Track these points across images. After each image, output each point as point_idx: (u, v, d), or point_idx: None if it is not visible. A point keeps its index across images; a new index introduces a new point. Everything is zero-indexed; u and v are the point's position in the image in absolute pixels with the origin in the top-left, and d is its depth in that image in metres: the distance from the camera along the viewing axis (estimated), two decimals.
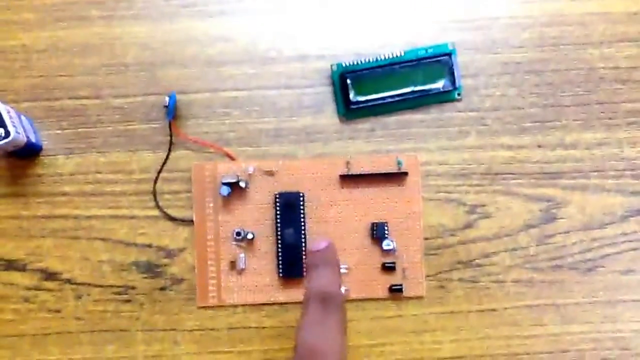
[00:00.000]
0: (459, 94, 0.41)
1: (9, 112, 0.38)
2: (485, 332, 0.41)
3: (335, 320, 0.30)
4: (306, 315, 0.30)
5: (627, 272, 0.41)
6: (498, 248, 0.41)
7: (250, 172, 0.40)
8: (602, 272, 0.41)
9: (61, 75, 0.41)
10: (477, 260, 0.41)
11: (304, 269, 0.40)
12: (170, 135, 0.41)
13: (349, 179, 0.40)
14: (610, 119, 0.42)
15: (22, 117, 0.40)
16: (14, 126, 0.37)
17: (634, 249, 0.41)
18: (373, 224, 0.40)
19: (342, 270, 0.40)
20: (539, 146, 0.41)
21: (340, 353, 0.28)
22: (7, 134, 0.37)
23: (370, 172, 0.40)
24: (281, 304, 0.40)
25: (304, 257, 0.40)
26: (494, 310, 0.41)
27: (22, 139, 0.38)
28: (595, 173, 0.41)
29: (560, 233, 0.41)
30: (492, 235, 0.41)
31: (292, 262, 0.40)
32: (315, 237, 0.34)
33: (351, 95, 0.41)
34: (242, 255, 0.40)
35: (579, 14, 0.42)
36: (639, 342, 0.41)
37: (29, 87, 0.41)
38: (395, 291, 0.40)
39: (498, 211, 0.41)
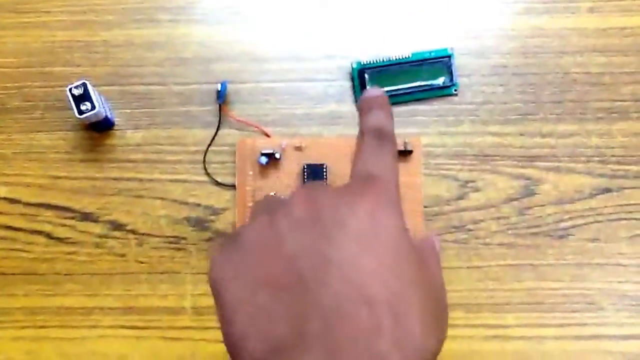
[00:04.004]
0: (455, 90, 0.50)
1: (94, 91, 0.47)
2: (473, 285, 0.49)
3: (390, 151, 0.27)
4: (361, 146, 0.28)
5: (594, 240, 0.49)
6: (485, 216, 0.49)
7: (283, 147, 0.49)
8: (572, 240, 0.49)
9: (133, 66, 0.51)
10: (467, 226, 0.49)
11: None
12: (220, 116, 0.50)
13: None
14: (581, 114, 0.50)
15: (101, 97, 0.49)
16: (97, 102, 0.47)
17: (599, 222, 0.49)
18: None
19: None
20: (521, 134, 0.50)
21: (396, 183, 0.26)
22: (93, 107, 0.47)
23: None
24: None
25: None
26: (480, 267, 0.49)
27: (102, 113, 0.48)
28: (568, 158, 0.50)
29: (537, 206, 0.49)
30: (481, 206, 0.49)
31: None
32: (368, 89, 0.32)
33: (368, 88, 0.50)
34: None
35: (558, 29, 0.51)
36: (602, 298, 0.48)
37: (107, 74, 0.51)
38: None
39: (486, 186, 0.50)
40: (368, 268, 0.21)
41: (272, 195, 0.27)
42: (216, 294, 0.24)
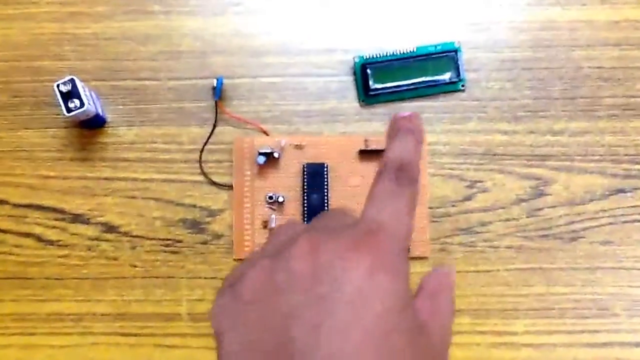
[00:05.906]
0: (462, 85, 0.48)
1: (83, 88, 0.45)
2: (480, 290, 0.47)
3: (407, 196, 0.24)
4: (376, 186, 0.25)
5: (606, 243, 0.47)
6: (493, 218, 0.47)
7: (282, 145, 0.47)
8: (584, 242, 0.47)
9: (125, 60, 0.49)
10: (475, 228, 0.47)
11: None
12: (216, 113, 0.48)
13: (367, 154, 0.47)
14: (593, 111, 0.48)
15: (92, 93, 0.47)
16: (87, 99, 0.45)
17: (612, 223, 0.47)
18: None
19: None
20: (531, 132, 0.48)
21: (405, 236, 0.23)
22: (82, 104, 0.44)
23: (385, 149, 0.47)
24: None
25: None
26: (488, 271, 0.47)
27: (93, 110, 0.46)
28: (579, 157, 0.48)
29: (547, 207, 0.48)
30: (489, 207, 0.48)
31: None
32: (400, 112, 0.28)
33: (370, 84, 0.48)
34: (273, 216, 0.47)
35: (569, 21, 0.49)
36: (615, 304, 0.47)
37: (98, 68, 0.49)
38: None
39: (494, 186, 0.48)
40: (356, 339, 0.21)
41: (286, 226, 0.26)
42: (217, 342, 0.24)
